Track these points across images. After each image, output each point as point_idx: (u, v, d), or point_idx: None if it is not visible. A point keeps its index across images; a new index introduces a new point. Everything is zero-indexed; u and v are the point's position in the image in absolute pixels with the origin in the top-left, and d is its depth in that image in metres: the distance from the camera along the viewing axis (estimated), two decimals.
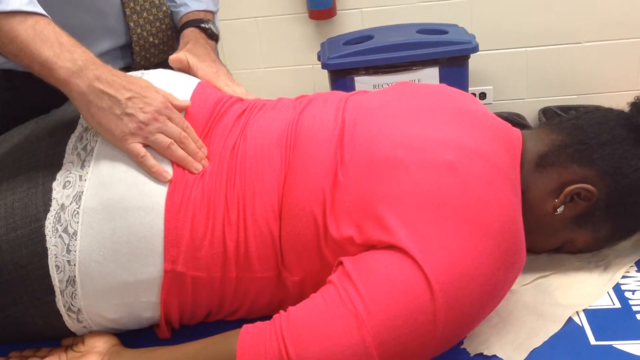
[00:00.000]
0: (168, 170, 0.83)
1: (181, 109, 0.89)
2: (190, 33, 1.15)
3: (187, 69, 1.05)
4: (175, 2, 1.21)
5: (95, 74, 0.81)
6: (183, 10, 1.19)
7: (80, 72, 0.80)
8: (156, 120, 0.83)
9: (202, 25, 1.17)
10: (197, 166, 0.84)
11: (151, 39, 1.16)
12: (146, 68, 1.15)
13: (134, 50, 1.15)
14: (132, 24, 1.12)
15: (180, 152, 0.84)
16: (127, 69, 1.14)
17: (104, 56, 0.97)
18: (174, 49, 1.21)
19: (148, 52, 1.17)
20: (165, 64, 1.12)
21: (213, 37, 1.18)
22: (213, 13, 1.24)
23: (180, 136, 0.84)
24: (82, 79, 0.80)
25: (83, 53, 0.82)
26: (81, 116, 0.86)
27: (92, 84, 0.80)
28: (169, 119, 0.85)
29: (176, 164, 0.84)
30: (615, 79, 2.30)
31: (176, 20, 1.21)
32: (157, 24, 1.16)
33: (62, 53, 0.80)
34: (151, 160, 0.82)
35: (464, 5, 2.27)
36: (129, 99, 0.82)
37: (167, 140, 0.83)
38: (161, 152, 0.83)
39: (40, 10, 0.82)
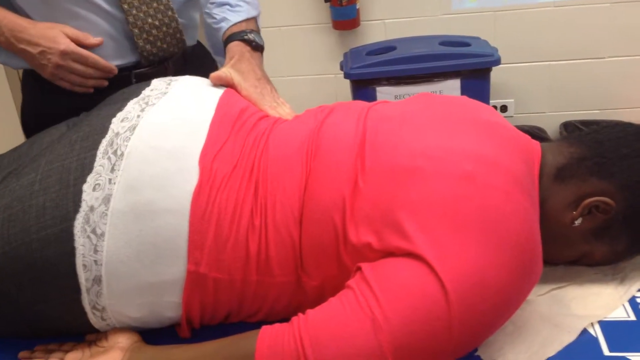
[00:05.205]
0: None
1: (93, 46, 1.14)
2: (234, 47, 1.14)
3: (232, 87, 1.05)
4: (216, 19, 1.20)
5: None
6: (224, 25, 1.19)
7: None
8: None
9: (246, 37, 1.15)
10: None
11: (149, 20, 1.16)
12: (155, 55, 1.19)
13: (133, 32, 1.16)
14: (125, 6, 1.15)
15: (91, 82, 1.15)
16: (138, 63, 1.19)
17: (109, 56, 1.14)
18: (182, 35, 1.23)
19: (150, 34, 1.17)
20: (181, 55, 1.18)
21: (258, 48, 1.16)
22: (255, 18, 1.22)
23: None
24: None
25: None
26: (112, 122, 0.90)
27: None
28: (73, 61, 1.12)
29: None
30: (638, 95, 2.29)
31: (220, 36, 1.20)
32: (155, 4, 1.17)
33: None
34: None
35: (487, 18, 2.28)
36: (40, 52, 1.10)
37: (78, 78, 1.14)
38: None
39: None
